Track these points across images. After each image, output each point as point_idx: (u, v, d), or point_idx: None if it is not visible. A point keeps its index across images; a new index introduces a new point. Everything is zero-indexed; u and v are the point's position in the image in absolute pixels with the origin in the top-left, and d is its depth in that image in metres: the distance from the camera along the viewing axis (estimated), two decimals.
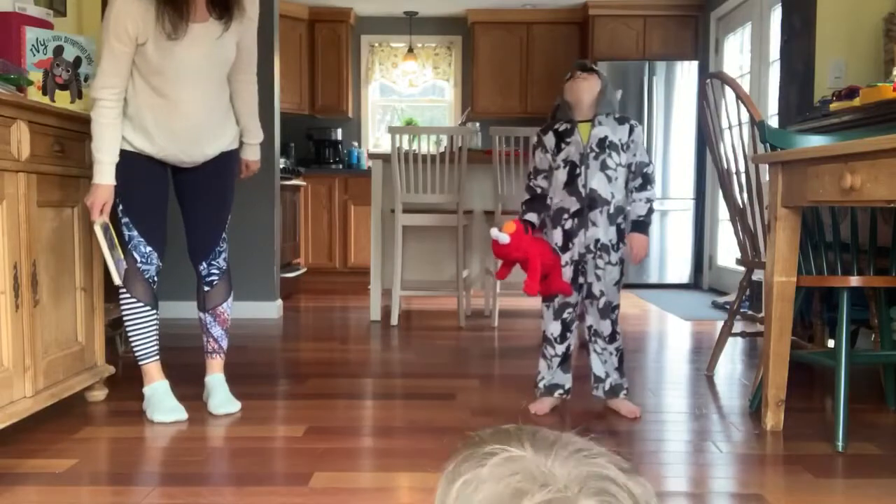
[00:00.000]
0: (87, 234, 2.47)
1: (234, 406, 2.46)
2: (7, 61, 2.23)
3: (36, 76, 2.33)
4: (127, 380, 2.74)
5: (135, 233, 2.36)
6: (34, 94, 2.31)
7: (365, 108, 7.40)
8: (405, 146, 4.11)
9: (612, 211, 2.37)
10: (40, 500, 1.76)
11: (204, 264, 2.49)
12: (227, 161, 2.50)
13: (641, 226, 2.43)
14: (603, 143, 2.36)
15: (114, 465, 2.05)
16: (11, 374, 2.05)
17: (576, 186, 2.36)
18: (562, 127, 2.41)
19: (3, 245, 2.00)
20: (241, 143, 2.57)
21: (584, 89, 2.37)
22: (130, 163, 2.32)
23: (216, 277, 2.51)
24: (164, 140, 2.32)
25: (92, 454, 2.08)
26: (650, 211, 2.42)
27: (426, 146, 4.81)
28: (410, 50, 7.19)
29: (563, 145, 2.39)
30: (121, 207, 2.35)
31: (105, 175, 2.26)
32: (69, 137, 2.35)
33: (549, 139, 2.42)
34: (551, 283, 2.36)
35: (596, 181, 2.35)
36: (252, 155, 2.63)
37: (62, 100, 2.41)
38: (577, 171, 2.36)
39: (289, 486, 1.82)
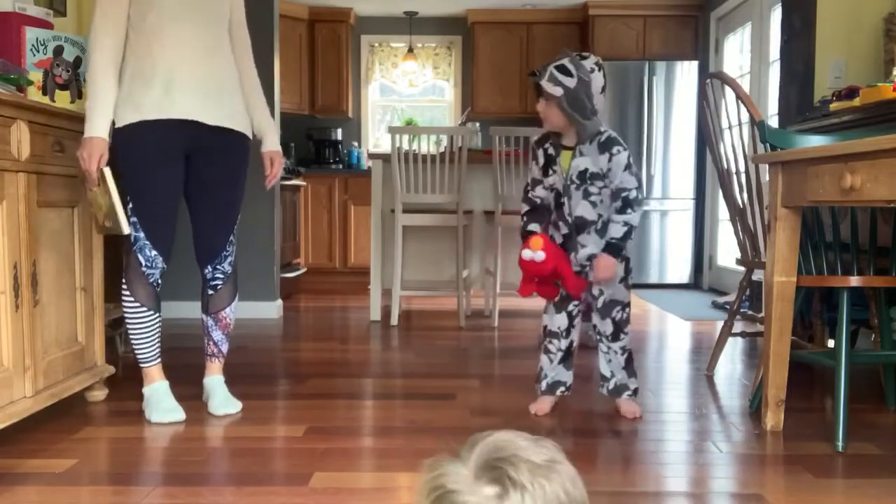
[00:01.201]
0: (87, 234, 2.47)
1: (235, 406, 2.44)
2: (7, 61, 2.23)
3: (36, 76, 2.33)
4: (127, 380, 2.74)
5: (141, 234, 2.30)
6: (34, 94, 2.31)
7: (365, 108, 7.40)
8: (405, 146, 4.11)
9: (599, 227, 2.35)
10: (40, 500, 1.76)
11: (209, 268, 2.46)
12: (239, 153, 2.43)
13: (613, 248, 2.28)
14: (584, 175, 2.31)
15: (114, 465, 2.05)
16: (11, 374, 2.05)
17: (562, 213, 2.37)
18: (550, 150, 2.38)
19: (3, 245, 2.00)
20: (260, 140, 2.52)
21: (547, 119, 2.30)
22: (143, 145, 2.25)
23: (220, 282, 2.47)
24: (172, 84, 2.24)
25: (92, 454, 2.08)
26: (626, 235, 2.27)
27: (426, 146, 4.82)
28: (410, 50, 7.19)
29: (549, 171, 2.38)
30: (130, 206, 2.29)
31: (96, 127, 2.20)
32: (69, 137, 2.35)
33: (541, 157, 2.41)
34: (578, 284, 2.37)
35: (580, 209, 2.34)
36: (272, 144, 2.53)
37: (62, 100, 2.41)
38: (562, 199, 2.36)
39: (289, 486, 1.82)
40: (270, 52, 4.34)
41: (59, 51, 2.40)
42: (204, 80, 2.29)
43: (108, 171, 2.22)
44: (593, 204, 2.33)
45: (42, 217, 2.20)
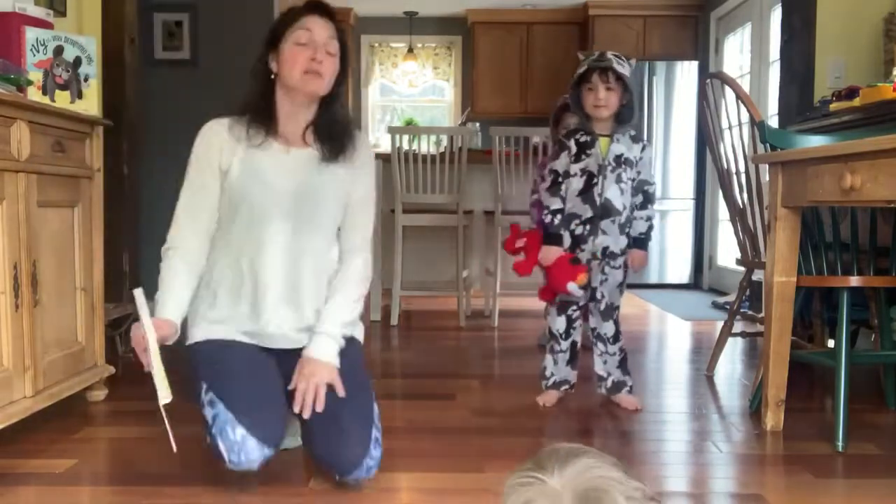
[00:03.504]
0: (87, 234, 2.47)
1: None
2: (7, 61, 2.23)
3: (36, 76, 2.33)
4: (127, 380, 2.74)
5: (220, 408, 1.69)
6: (34, 94, 2.31)
7: (365, 108, 7.40)
8: (405, 146, 4.11)
9: (622, 221, 2.45)
10: (40, 500, 1.76)
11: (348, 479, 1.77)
12: (349, 355, 1.88)
13: (642, 242, 2.51)
14: (619, 159, 2.44)
15: (114, 465, 2.05)
16: (11, 374, 2.05)
17: (591, 195, 2.42)
18: (583, 138, 2.45)
19: (3, 245, 2.00)
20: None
21: (607, 105, 2.38)
22: (210, 345, 1.84)
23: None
24: (262, 308, 1.82)
25: (92, 454, 2.08)
26: (650, 228, 2.52)
27: (426, 146, 4.81)
28: (410, 50, 7.19)
29: (582, 156, 2.44)
30: (210, 395, 1.74)
31: (167, 311, 1.77)
32: (69, 137, 2.35)
33: (573, 147, 2.46)
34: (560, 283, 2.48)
35: (611, 192, 2.42)
36: (316, 351, 1.79)
37: (62, 100, 2.41)
38: (595, 180, 2.42)
39: (289, 486, 1.82)
40: None
41: (59, 51, 2.40)
42: (301, 297, 1.86)
43: (145, 314, 1.67)
44: (622, 191, 2.43)
45: (42, 217, 2.20)
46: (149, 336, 1.65)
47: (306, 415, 1.73)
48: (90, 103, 2.48)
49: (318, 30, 1.85)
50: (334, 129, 1.89)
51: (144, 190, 3.90)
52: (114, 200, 3.17)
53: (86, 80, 2.47)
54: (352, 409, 1.78)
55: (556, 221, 2.44)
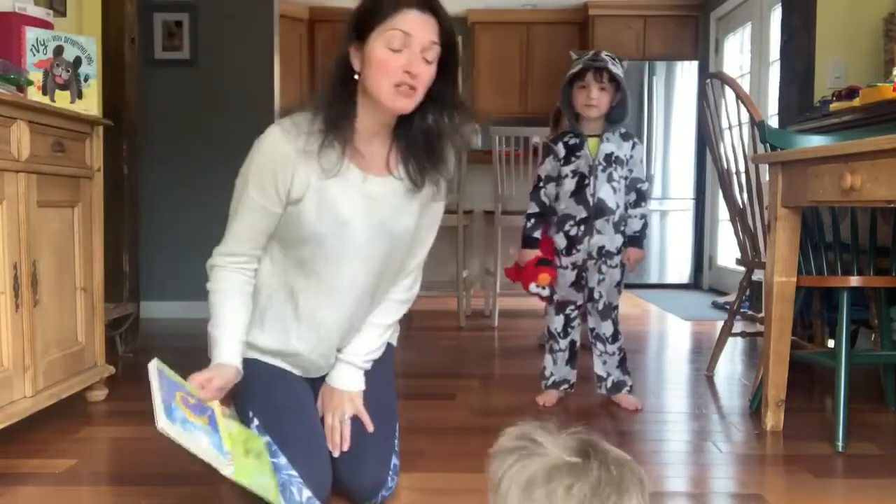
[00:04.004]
0: (87, 234, 2.47)
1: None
2: (7, 61, 2.22)
3: (36, 76, 2.33)
4: (127, 380, 2.74)
5: (282, 460, 1.57)
6: (34, 94, 2.31)
7: None
8: None
9: (616, 219, 2.46)
10: (40, 500, 1.76)
11: None
12: (379, 364, 1.83)
13: (637, 240, 2.51)
14: (609, 158, 2.44)
15: (114, 465, 2.05)
16: (11, 374, 2.05)
17: (583, 195, 2.43)
18: (571, 140, 2.47)
19: (3, 245, 2.00)
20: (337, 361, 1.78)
21: (598, 105, 2.39)
22: (255, 366, 1.71)
23: None
24: (304, 337, 1.70)
25: (92, 454, 2.08)
26: (644, 226, 2.52)
27: None
28: None
29: (572, 158, 2.45)
30: (256, 423, 1.64)
31: (223, 353, 1.61)
32: (69, 137, 2.35)
33: (560, 149, 2.48)
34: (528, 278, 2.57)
35: (603, 191, 2.43)
36: (339, 380, 1.74)
37: (62, 100, 2.41)
38: (586, 181, 2.43)
39: None
40: (270, 52, 4.33)
41: (59, 51, 2.40)
42: (351, 330, 1.76)
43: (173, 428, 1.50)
44: (614, 189, 2.44)
45: (42, 217, 2.20)
46: (161, 423, 1.47)
47: (335, 454, 1.67)
48: (90, 103, 2.49)
49: (418, 32, 1.53)
50: (428, 155, 1.66)
51: (144, 190, 3.90)
52: (114, 200, 3.17)
53: (86, 80, 2.47)
54: (374, 435, 1.71)
55: (530, 225, 2.51)
